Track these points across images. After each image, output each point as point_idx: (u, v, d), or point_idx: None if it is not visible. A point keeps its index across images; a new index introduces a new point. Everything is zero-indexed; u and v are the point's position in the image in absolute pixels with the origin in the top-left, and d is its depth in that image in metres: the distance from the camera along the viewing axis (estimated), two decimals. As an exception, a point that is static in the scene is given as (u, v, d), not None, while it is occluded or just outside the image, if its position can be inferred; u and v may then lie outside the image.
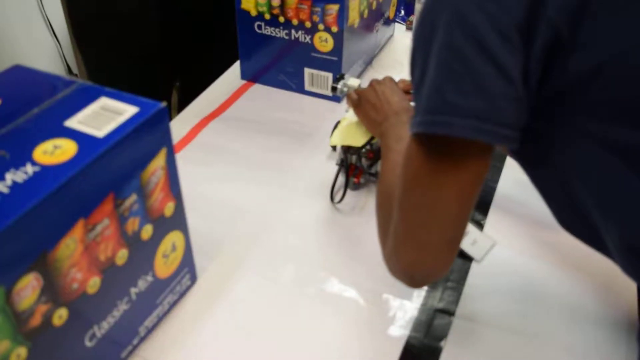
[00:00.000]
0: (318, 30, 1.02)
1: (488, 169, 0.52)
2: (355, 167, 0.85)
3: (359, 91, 0.85)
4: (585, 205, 0.54)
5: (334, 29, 1.01)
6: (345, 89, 0.91)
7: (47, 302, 0.49)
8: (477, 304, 0.73)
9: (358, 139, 0.84)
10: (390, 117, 0.76)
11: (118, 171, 0.53)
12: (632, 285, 0.73)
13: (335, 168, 0.89)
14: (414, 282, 0.57)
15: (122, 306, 0.60)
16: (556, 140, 0.52)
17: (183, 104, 1.10)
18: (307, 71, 1.09)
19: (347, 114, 0.89)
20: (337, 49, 1.03)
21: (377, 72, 1.20)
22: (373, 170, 0.87)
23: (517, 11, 0.46)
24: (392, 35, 1.35)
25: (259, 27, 1.06)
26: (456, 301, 0.73)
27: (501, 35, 0.46)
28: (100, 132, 0.53)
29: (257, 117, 1.06)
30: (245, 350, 0.66)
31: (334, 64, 1.05)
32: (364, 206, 0.86)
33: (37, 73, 0.62)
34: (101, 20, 1.13)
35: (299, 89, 1.12)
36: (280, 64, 1.10)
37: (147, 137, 0.56)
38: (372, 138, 0.84)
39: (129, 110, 0.56)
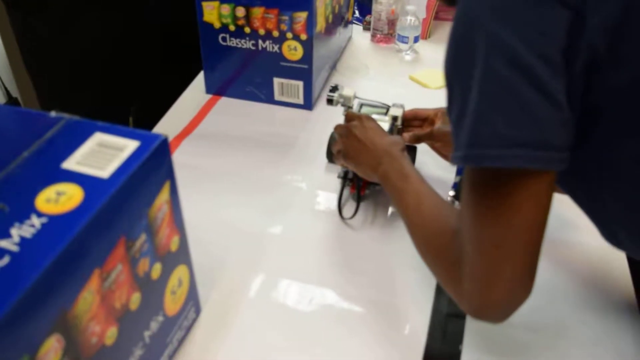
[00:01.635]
0: (286, 39, 1.00)
1: (554, 182, 0.50)
2: (358, 178, 0.84)
3: (337, 147, 0.82)
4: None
5: (303, 36, 0.99)
6: (341, 100, 0.90)
7: (69, 363, 0.45)
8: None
9: None
10: (383, 157, 0.73)
11: (128, 212, 0.50)
12: (626, 275, 0.76)
13: (331, 181, 0.88)
14: (504, 315, 0.53)
15: (138, 352, 0.56)
16: (593, 154, 0.52)
17: (140, 126, 1.05)
18: (277, 81, 1.06)
19: None
20: (307, 57, 1.01)
21: (343, 76, 1.19)
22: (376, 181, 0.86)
23: (557, 35, 0.46)
24: (350, 37, 1.34)
25: (224, 39, 1.03)
26: (465, 303, 0.73)
27: (544, 60, 0.46)
28: (104, 172, 0.49)
29: (231, 131, 1.03)
30: (264, 380, 0.64)
31: (304, 72, 1.04)
32: (372, 220, 0.85)
33: (14, 111, 0.57)
34: (57, 45, 1.07)
35: (269, 99, 1.09)
36: (248, 75, 1.07)
37: (153, 172, 0.53)
38: None
39: (129, 145, 0.52)
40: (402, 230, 0.82)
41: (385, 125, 0.85)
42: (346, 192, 0.87)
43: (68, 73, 1.11)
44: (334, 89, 0.89)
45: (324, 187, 0.90)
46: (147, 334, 0.57)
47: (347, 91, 0.89)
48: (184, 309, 0.65)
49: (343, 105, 0.90)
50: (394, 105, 0.88)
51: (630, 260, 0.77)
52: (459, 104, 0.50)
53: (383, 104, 0.90)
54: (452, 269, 0.55)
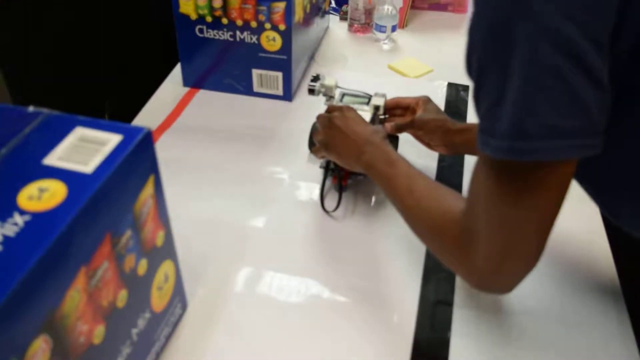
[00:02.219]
0: (265, 30, 0.99)
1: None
2: (340, 169, 0.83)
3: (318, 137, 0.81)
4: None
5: (282, 27, 0.98)
6: (322, 90, 0.89)
7: (57, 364, 0.44)
8: (472, 290, 0.73)
9: None
10: (365, 146, 0.73)
11: (113, 208, 0.49)
12: (609, 259, 0.77)
13: (313, 172, 0.87)
14: (510, 288, 0.55)
15: (126, 350, 0.55)
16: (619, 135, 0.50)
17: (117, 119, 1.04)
18: (255, 72, 1.05)
19: None
20: (286, 47, 1.00)
21: (321, 66, 1.19)
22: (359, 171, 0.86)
23: (608, 15, 0.43)
24: (327, 27, 1.34)
25: (200, 30, 1.01)
26: (452, 291, 0.73)
27: (595, 44, 0.43)
28: (87, 167, 0.48)
29: (210, 124, 1.02)
30: (254, 373, 0.64)
31: (283, 63, 1.03)
32: (354, 209, 0.85)
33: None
34: (30, 36, 1.05)
35: (248, 91, 1.08)
36: (226, 67, 1.06)
37: (137, 166, 0.52)
38: None
39: (112, 139, 0.51)
40: (386, 220, 0.83)
41: (368, 115, 0.85)
42: (328, 182, 0.86)
43: (39, 65, 1.09)
44: (316, 78, 0.89)
45: (305, 178, 0.90)
46: (134, 331, 0.56)
47: (328, 81, 0.88)
48: (171, 305, 0.64)
49: (325, 95, 0.89)
50: (375, 94, 0.87)
51: (613, 245, 0.79)
52: (494, 92, 0.47)
53: (365, 93, 0.89)
54: (458, 246, 0.55)
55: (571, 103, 0.44)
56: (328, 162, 0.85)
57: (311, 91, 0.89)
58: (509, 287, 0.55)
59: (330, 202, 0.84)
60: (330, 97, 0.89)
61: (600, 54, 0.44)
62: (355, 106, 0.87)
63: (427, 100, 0.87)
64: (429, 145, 0.88)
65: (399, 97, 0.90)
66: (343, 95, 0.89)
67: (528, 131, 0.45)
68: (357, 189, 0.88)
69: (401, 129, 0.87)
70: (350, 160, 0.76)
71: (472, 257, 0.53)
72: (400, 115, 0.90)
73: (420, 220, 0.62)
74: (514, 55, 0.45)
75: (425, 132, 0.86)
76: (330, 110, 0.83)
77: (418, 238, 0.63)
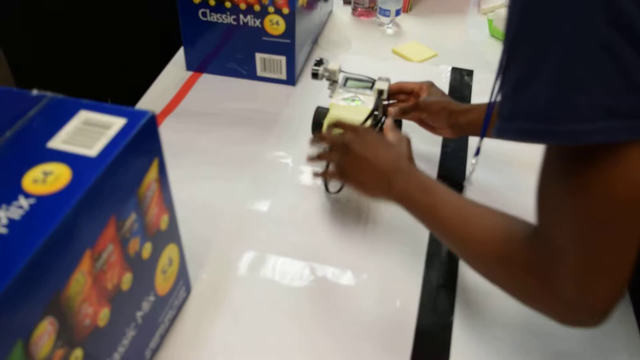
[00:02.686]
0: (268, 13, 0.98)
1: None
2: None
3: (334, 163, 0.72)
4: None
5: (285, 10, 0.97)
6: (326, 74, 0.88)
7: (63, 346, 0.45)
8: (475, 274, 0.73)
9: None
10: (394, 175, 0.65)
11: (117, 191, 0.49)
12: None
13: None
14: (606, 315, 0.46)
15: (130, 332, 0.55)
16: None
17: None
18: (259, 56, 1.05)
19: (332, 100, 0.86)
20: (289, 31, 1.00)
21: (325, 50, 1.18)
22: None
23: None
24: (331, 11, 1.33)
25: (204, 14, 1.01)
26: (454, 275, 0.73)
27: None
28: (91, 150, 0.48)
29: (213, 109, 1.01)
30: (256, 354, 0.64)
31: (286, 47, 1.02)
32: (359, 194, 0.84)
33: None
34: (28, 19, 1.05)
35: (251, 75, 1.08)
36: (229, 51, 1.05)
37: (141, 149, 0.51)
38: (365, 121, 0.80)
39: (116, 123, 0.51)
40: (388, 205, 0.82)
41: (371, 99, 0.85)
42: (331, 167, 0.86)
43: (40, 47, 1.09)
44: (319, 62, 0.88)
45: (306, 164, 0.89)
46: (139, 314, 0.57)
47: (332, 65, 0.88)
48: (175, 288, 0.64)
49: (328, 79, 0.89)
50: (379, 79, 0.87)
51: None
52: (526, 66, 0.42)
53: (369, 77, 0.89)
54: (533, 273, 0.48)
55: (624, 81, 0.39)
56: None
57: (314, 75, 0.88)
58: (604, 313, 0.46)
59: (333, 187, 0.84)
60: (333, 82, 0.89)
61: None
62: (358, 90, 0.86)
63: (430, 85, 0.87)
64: (433, 129, 0.87)
65: (402, 81, 0.89)
66: (346, 79, 0.89)
67: (576, 111, 0.40)
68: None
69: (405, 112, 0.87)
70: (377, 191, 0.68)
71: (554, 283, 0.46)
72: (403, 100, 0.89)
73: (479, 252, 0.55)
74: (559, 26, 0.40)
75: (429, 115, 0.85)
76: (345, 127, 0.73)
77: (478, 271, 0.56)
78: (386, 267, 0.74)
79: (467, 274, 0.73)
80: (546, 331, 0.67)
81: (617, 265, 0.44)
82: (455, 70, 1.13)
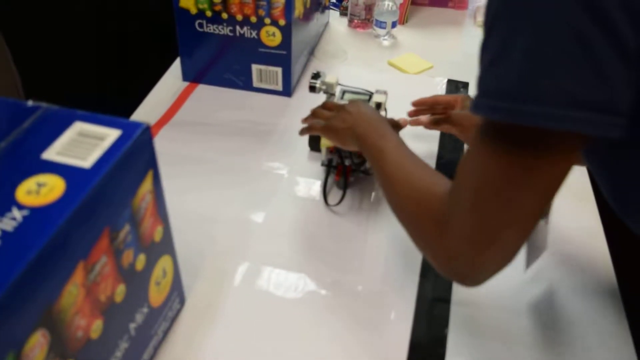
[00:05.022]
0: (265, 25, 0.99)
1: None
2: (343, 166, 0.84)
3: (326, 119, 0.79)
4: None
5: (282, 22, 0.98)
6: (323, 87, 0.89)
7: (55, 358, 0.44)
8: (470, 289, 0.73)
9: None
10: (360, 120, 0.72)
11: (111, 203, 0.49)
12: (606, 256, 0.77)
13: (312, 168, 0.88)
14: (480, 281, 0.51)
15: (123, 345, 0.55)
16: None
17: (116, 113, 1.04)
18: (255, 67, 1.05)
19: None
20: (286, 43, 1.00)
21: (321, 62, 1.19)
22: (363, 168, 0.86)
23: None
24: (327, 23, 1.33)
25: (200, 25, 1.01)
26: (449, 288, 0.73)
27: (629, 14, 0.39)
28: (85, 162, 0.48)
29: (209, 119, 1.01)
30: (251, 368, 0.64)
31: (282, 58, 1.02)
32: (357, 207, 0.84)
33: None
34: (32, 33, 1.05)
35: (247, 86, 1.08)
36: (225, 61, 1.06)
37: (136, 161, 0.51)
38: None
39: (111, 134, 0.51)
40: (384, 217, 0.83)
41: None
42: (330, 180, 0.87)
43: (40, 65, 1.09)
44: (316, 75, 0.89)
45: (305, 174, 0.90)
46: (132, 326, 0.56)
47: (329, 78, 0.89)
48: (169, 300, 0.64)
49: (325, 92, 0.89)
50: (377, 92, 0.87)
51: (610, 242, 0.79)
52: (501, 45, 0.43)
53: (366, 90, 0.89)
54: (436, 228, 0.51)
55: (593, 73, 0.40)
56: (330, 160, 0.85)
57: (312, 88, 0.89)
58: (479, 279, 0.51)
59: (331, 200, 0.84)
60: (331, 95, 0.89)
61: (635, 27, 0.39)
62: None
63: (465, 98, 0.87)
64: (466, 141, 0.86)
65: (437, 94, 0.91)
66: (344, 92, 0.89)
67: (540, 93, 0.41)
68: (357, 186, 0.88)
69: (437, 123, 0.87)
70: (343, 132, 0.74)
71: (448, 235, 0.50)
72: (440, 113, 0.89)
73: (402, 197, 0.59)
74: (535, 9, 0.41)
75: (461, 130, 0.85)
76: (328, 107, 0.82)
77: (396, 214, 0.60)
78: (381, 279, 0.74)
79: (462, 287, 0.73)
80: (540, 344, 0.67)
81: (509, 240, 0.48)
82: (451, 82, 1.13)
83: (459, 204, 0.49)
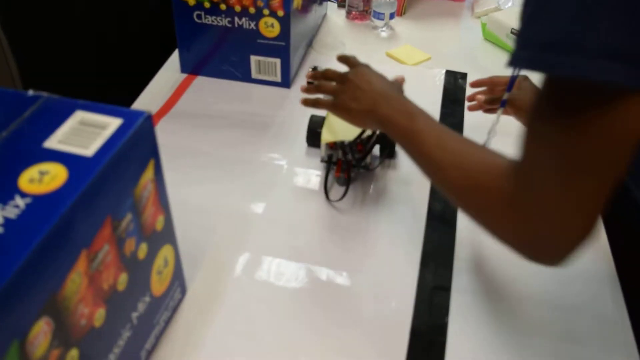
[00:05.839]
0: (263, 16, 0.98)
1: None
2: (343, 161, 0.83)
3: (333, 92, 0.73)
4: None
5: (280, 13, 0.97)
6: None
7: (59, 346, 0.44)
8: (469, 276, 0.74)
9: (351, 132, 0.81)
10: (380, 99, 0.67)
11: (113, 191, 0.49)
12: (604, 244, 0.77)
13: (311, 159, 0.87)
14: (567, 256, 0.47)
15: (126, 333, 0.55)
16: None
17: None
18: (254, 58, 1.05)
19: None
20: (284, 34, 1.00)
21: (319, 54, 1.18)
22: (363, 163, 0.85)
23: None
24: (325, 14, 1.33)
25: (199, 16, 1.01)
26: (450, 276, 0.74)
27: None
28: (87, 150, 0.48)
29: (208, 111, 1.01)
30: (252, 355, 0.64)
31: (281, 49, 1.02)
32: (356, 200, 0.84)
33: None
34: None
35: (246, 77, 1.08)
36: (224, 53, 1.05)
37: (138, 149, 0.51)
38: (360, 135, 0.81)
39: (112, 123, 0.51)
40: (384, 206, 0.83)
41: None
42: (331, 176, 0.86)
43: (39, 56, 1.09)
44: (315, 70, 0.88)
45: (304, 165, 0.90)
46: (134, 315, 0.56)
47: None
48: (170, 289, 0.64)
49: None
50: None
51: (608, 230, 0.79)
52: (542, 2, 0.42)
53: None
54: (509, 209, 0.48)
55: (635, 20, 0.38)
56: (330, 156, 0.84)
57: (310, 84, 0.88)
58: (569, 253, 0.47)
59: (333, 195, 0.84)
60: None
61: None
62: None
63: (524, 79, 0.85)
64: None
65: (495, 75, 0.89)
66: None
67: (584, 43, 0.39)
68: (355, 179, 0.88)
69: (492, 102, 0.87)
70: (362, 115, 0.69)
71: (531, 217, 0.46)
72: (498, 93, 0.88)
73: (456, 179, 0.54)
74: None
75: (517, 110, 0.83)
76: (350, 63, 0.76)
77: (453, 200, 0.56)
78: (381, 268, 0.74)
79: (463, 276, 0.74)
80: (541, 332, 0.67)
81: (593, 207, 0.44)
82: (449, 74, 1.13)
83: (534, 178, 0.46)
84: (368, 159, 0.86)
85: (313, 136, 0.90)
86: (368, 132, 0.80)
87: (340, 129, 0.82)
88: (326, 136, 0.83)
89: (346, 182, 0.84)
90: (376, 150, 0.90)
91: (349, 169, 0.84)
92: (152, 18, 1.16)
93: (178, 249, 0.64)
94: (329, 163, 0.85)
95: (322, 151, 0.85)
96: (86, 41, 1.12)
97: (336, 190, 0.85)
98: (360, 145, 0.84)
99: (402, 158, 0.91)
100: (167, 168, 0.59)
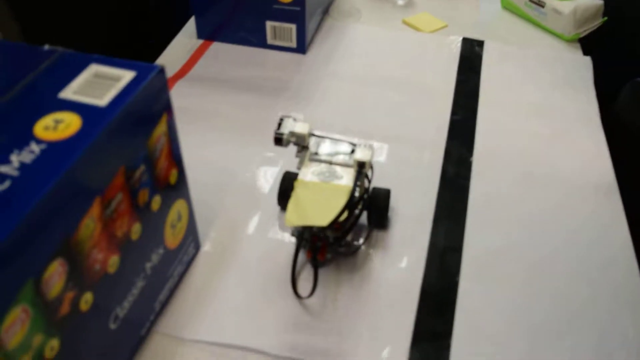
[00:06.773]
0: (279, -20, 0.98)
1: None
2: (318, 238, 0.66)
3: None
4: None
5: (296, -23, 0.97)
6: (292, 139, 0.68)
7: (73, 288, 0.46)
8: (481, 236, 0.74)
9: (323, 216, 0.62)
10: None
11: (126, 141, 0.50)
12: (625, 230, 0.76)
13: (326, 118, 0.86)
14: None
15: (140, 283, 0.57)
16: None
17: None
18: (269, 24, 1.05)
19: (300, 174, 0.67)
20: (300, -1, 1.00)
21: (336, 21, 1.18)
22: (343, 242, 0.70)
23: None
24: (342, -19, 1.32)
25: (214, -19, 1.01)
26: (461, 237, 0.74)
27: None
28: (101, 101, 0.49)
29: (224, 75, 1.02)
30: (263, 311, 0.65)
31: (296, 15, 1.02)
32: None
33: (3, 44, 0.56)
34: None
35: (261, 43, 1.08)
36: (239, 19, 1.06)
37: (150, 101, 0.52)
38: (341, 213, 0.62)
39: (126, 76, 0.52)
40: (400, 166, 0.83)
41: (350, 173, 0.67)
42: (302, 256, 0.71)
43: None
44: (283, 124, 0.68)
45: (320, 128, 0.90)
46: (148, 265, 0.58)
47: (299, 127, 0.67)
48: (184, 244, 0.66)
49: (296, 144, 0.69)
50: (360, 145, 0.67)
51: (630, 218, 0.78)
52: None
53: (349, 142, 0.70)
54: None
55: None
56: (302, 232, 0.63)
57: (278, 140, 0.68)
58: None
59: (305, 284, 0.68)
60: (303, 147, 0.69)
61: None
62: (337, 158, 0.68)
63: None
64: None
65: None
66: (319, 144, 0.70)
67: None
68: (338, 265, 0.70)
69: None
70: None
71: None
72: None
73: None
74: None
75: None
76: None
77: None
78: (393, 228, 0.75)
79: (474, 236, 0.74)
80: (552, 293, 0.68)
81: None
82: (465, 41, 1.12)
83: None
84: (350, 237, 0.72)
85: (284, 197, 0.73)
86: (345, 215, 0.63)
87: (310, 212, 0.63)
88: (292, 218, 0.62)
89: (315, 272, 0.65)
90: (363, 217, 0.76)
91: (323, 250, 0.68)
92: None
93: (192, 205, 0.66)
94: (300, 239, 0.64)
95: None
96: (100, 8, 1.13)
97: (309, 275, 0.69)
98: (338, 225, 0.65)
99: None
100: (182, 130, 0.60)
